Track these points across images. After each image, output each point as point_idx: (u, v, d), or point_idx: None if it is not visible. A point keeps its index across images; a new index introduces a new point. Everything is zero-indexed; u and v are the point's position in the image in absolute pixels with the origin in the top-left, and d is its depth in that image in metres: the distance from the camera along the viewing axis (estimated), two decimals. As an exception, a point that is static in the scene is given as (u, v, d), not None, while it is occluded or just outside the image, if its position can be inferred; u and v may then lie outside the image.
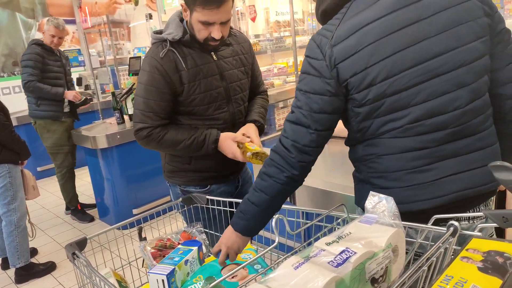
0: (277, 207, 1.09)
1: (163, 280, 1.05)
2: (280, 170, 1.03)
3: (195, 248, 1.19)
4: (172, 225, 1.56)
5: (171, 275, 1.06)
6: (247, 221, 1.09)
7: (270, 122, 3.97)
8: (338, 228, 0.98)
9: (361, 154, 1.06)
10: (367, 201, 0.87)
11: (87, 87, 5.32)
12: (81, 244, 1.19)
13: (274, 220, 0.81)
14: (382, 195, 0.85)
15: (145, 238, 1.35)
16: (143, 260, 1.29)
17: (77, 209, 3.67)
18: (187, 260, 1.14)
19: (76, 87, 5.33)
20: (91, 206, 3.87)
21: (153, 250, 1.26)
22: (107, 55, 5.31)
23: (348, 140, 1.09)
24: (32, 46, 3.34)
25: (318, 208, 1.17)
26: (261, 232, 1.32)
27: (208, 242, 1.38)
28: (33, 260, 2.99)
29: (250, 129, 1.51)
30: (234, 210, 1.48)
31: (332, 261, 0.68)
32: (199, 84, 1.42)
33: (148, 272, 1.08)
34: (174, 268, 1.08)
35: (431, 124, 0.96)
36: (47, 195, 3.63)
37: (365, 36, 0.94)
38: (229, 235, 1.11)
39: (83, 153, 3.58)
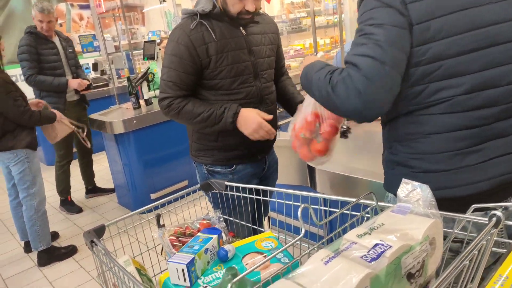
0: None
1: (183, 270, 1.02)
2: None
3: (215, 236, 1.15)
4: (191, 210, 1.52)
5: (191, 264, 1.03)
6: None
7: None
8: (366, 218, 0.93)
9: (401, 132, 0.99)
10: (399, 189, 0.81)
11: (102, 72, 5.33)
12: (99, 231, 1.18)
13: (300, 209, 0.76)
14: (416, 183, 0.79)
15: (163, 225, 1.33)
16: (162, 248, 1.27)
17: (66, 201, 3.64)
18: (207, 248, 1.11)
19: (92, 72, 5.36)
20: (109, 190, 3.91)
21: (171, 238, 1.23)
22: (122, 39, 5.28)
23: (389, 113, 1.00)
24: (24, 36, 3.14)
25: (340, 195, 1.11)
26: (283, 218, 1.28)
27: (227, 230, 1.35)
28: (55, 243, 3.05)
29: None
30: (254, 196, 1.45)
31: (365, 255, 0.63)
32: (227, 56, 1.42)
33: (168, 261, 1.05)
34: (194, 257, 1.05)
35: (483, 97, 0.90)
36: (67, 180, 3.66)
37: None
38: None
39: (100, 138, 3.59)
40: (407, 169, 0.98)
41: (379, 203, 0.91)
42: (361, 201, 0.99)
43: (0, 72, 2.50)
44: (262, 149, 1.57)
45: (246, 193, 1.45)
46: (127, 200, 3.53)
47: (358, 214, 0.91)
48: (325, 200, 1.23)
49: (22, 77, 5.28)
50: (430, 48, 0.89)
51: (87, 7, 6.53)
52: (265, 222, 2.54)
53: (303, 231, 0.74)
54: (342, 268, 0.60)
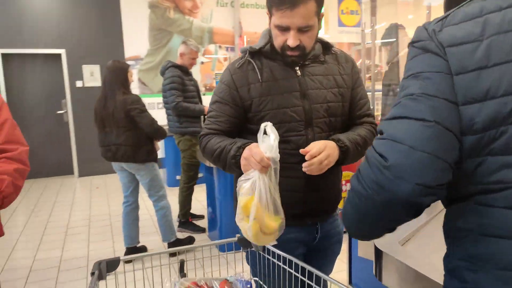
0: None
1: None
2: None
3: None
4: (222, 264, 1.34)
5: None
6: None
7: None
8: None
9: (456, 222, 0.68)
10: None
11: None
12: (112, 264, 1.10)
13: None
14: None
15: (185, 274, 1.18)
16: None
17: (188, 222, 3.79)
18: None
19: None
20: (199, 216, 4.11)
21: (183, 293, 1.07)
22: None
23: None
24: (171, 68, 3.52)
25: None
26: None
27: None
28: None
29: (328, 144, 1.20)
30: (293, 271, 1.15)
31: None
32: (272, 99, 1.25)
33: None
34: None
35: None
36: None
37: (481, 26, 0.65)
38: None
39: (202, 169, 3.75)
40: (458, 283, 0.66)
41: None
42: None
43: (131, 93, 2.99)
44: (309, 212, 1.30)
45: (286, 265, 1.19)
46: (214, 232, 3.52)
47: None
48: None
49: (160, 105, 6.12)
50: (484, 106, 0.61)
51: (232, 49, 7.23)
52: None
53: None
54: None
